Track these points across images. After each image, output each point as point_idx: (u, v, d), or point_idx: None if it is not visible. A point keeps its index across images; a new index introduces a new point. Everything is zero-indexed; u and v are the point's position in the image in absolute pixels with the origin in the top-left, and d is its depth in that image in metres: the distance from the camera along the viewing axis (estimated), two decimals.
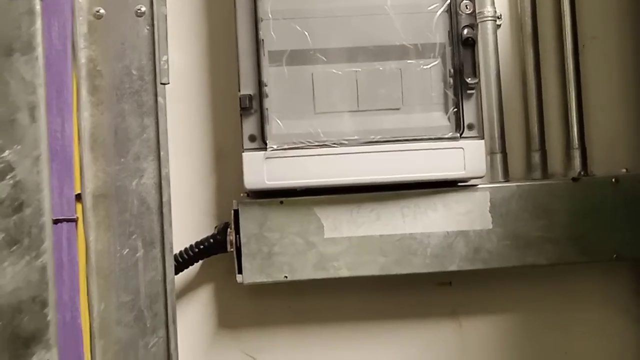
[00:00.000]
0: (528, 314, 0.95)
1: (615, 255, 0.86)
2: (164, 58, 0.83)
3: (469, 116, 0.83)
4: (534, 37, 0.95)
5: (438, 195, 0.84)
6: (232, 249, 0.85)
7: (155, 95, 0.82)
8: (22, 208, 0.46)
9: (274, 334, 0.94)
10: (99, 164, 0.82)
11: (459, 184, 0.86)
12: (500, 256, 0.85)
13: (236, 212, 0.84)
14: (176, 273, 0.88)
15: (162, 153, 0.82)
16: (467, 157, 0.82)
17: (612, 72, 0.97)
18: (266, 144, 0.80)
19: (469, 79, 0.82)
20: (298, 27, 0.81)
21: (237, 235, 0.84)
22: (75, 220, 0.74)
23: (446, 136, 0.81)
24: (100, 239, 0.81)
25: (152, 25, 0.82)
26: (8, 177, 0.45)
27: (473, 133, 0.83)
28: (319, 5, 0.82)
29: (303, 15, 0.82)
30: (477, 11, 0.93)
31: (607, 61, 0.97)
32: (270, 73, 0.82)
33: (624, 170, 0.92)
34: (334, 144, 0.81)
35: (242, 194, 0.87)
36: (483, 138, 0.83)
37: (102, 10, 0.82)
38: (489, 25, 0.94)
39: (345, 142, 0.82)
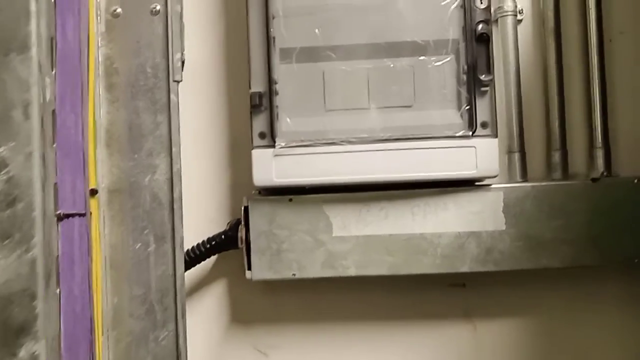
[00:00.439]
0: (546, 318, 0.92)
1: (637, 260, 0.82)
2: (177, 56, 0.84)
3: (482, 114, 0.81)
4: (557, 31, 0.92)
5: (449, 194, 0.83)
6: (242, 246, 0.85)
7: (169, 92, 0.84)
8: (15, 203, 0.47)
9: (286, 330, 0.95)
10: (113, 159, 0.84)
11: (474, 183, 0.84)
12: (513, 258, 0.83)
13: (246, 209, 0.85)
14: (189, 268, 0.89)
15: (174, 150, 0.83)
16: (479, 156, 0.80)
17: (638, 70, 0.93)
18: (275, 142, 0.81)
19: (483, 75, 0.80)
20: (309, 24, 0.81)
21: (247, 232, 0.84)
22: (87, 215, 0.76)
23: (457, 134, 0.80)
24: (114, 233, 0.84)
25: (167, 23, 0.84)
26: (2, 172, 0.47)
27: (487, 131, 0.81)
28: (331, 2, 0.81)
29: (314, 12, 0.82)
30: (496, 6, 0.91)
31: (635, 57, 0.93)
32: (281, 70, 0.82)
33: None
34: (343, 142, 0.81)
35: (253, 191, 0.88)
36: (496, 137, 0.81)
37: (119, 9, 0.84)
38: (509, 20, 0.92)
39: (355, 140, 0.81)
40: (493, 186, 0.83)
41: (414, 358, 0.94)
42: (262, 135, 0.82)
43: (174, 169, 0.83)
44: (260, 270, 0.84)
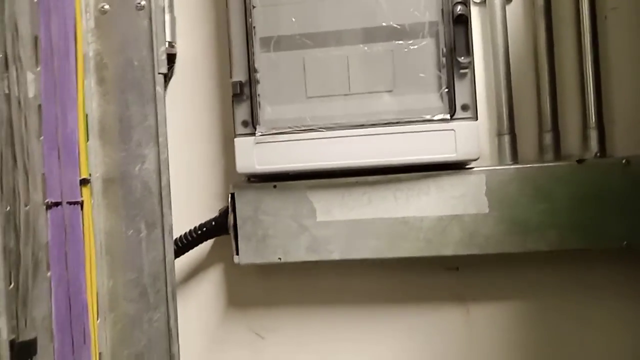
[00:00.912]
0: (540, 302, 0.91)
1: (625, 243, 0.80)
2: (162, 49, 0.87)
3: (462, 96, 0.80)
4: (547, 10, 0.89)
5: (431, 178, 0.83)
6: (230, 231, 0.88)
7: (154, 84, 0.87)
8: None
9: (282, 314, 0.97)
10: (106, 150, 0.88)
11: (463, 166, 0.84)
12: (498, 241, 0.82)
13: (232, 196, 0.87)
14: (182, 253, 0.92)
15: (160, 139, 0.87)
16: (458, 139, 0.80)
17: (636, 45, 0.90)
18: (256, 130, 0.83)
19: (462, 57, 0.80)
20: (287, 13, 0.82)
21: (235, 218, 0.87)
22: (79, 203, 0.80)
23: (435, 118, 0.79)
24: (109, 220, 0.88)
25: (151, 18, 0.87)
26: None
27: (467, 114, 0.80)
28: None
29: (291, 1, 0.83)
30: None
31: (630, 34, 0.90)
32: (261, 59, 0.83)
33: None
34: (324, 128, 0.82)
35: (243, 179, 0.90)
36: (477, 119, 0.80)
37: (106, 6, 0.88)
38: (497, 0, 0.90)
39: (336, 126, 0.82)
40: (475, 169, 0.82)
41: (407, 341, 0.94)
42: (244, 124, 0.84)
43: (162, 158, 0.86)
44: (247, 255, 0.86)
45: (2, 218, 0.59)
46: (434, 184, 0.83)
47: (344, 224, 0.84)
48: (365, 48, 0.81)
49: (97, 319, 0.84)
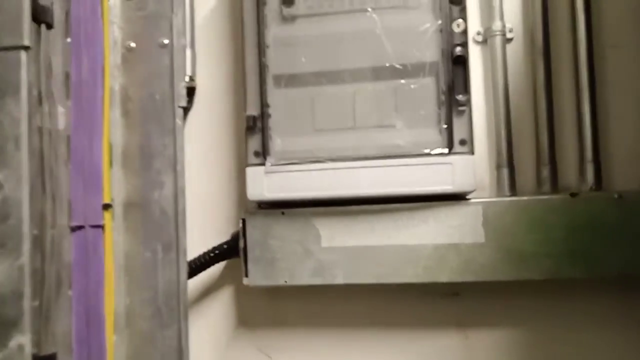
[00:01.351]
0: (538, 329, 0.94)
1: (617, 273, 0.83)
2: (182, 84, 0.94)
3: (460, 132, 0.85)
4: (546, 48, 0.94)
5: (431, 209, 0.87)
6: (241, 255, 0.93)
7: (174, 117, 0.93)
8: (8, 219, 0.57)
9: (288, 335, 1.02)
10: (127, 177, 0.95)
11: (463, 197, 0.88)
12: (493, 269, 0.86)
13: (244, 221, 0.93)
14: (196, 274, 0.98)
15: (178, 168, 0.93)
16: (455, 172, 0.84)
17: (635, 81, 0.94)
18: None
19: (460, 95, 0.85)
20: (297, 53, 0.89)
21: (245, 242, 0.92)
22: (101, 227, 0.87)
23: (433, 152, 0.84)
24: (129, 242, 0.94)
25: (172, 55, 0.94)
26: None
27: (464, 149, 0.85)
28: (316, 32, 0.88)
29: (301, 43, 0.89)
30: (486, 26, 0.95)
31: (629, 71, 0.94)
32: (273, 95, 0.90)
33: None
34: (330, 159, 0.88)
35: (254, 205, 0.96)
36: (473, 153, 0.85)
37: (132, 44, 0.95)
38: (497, 40, 0.95)
39: (341, 157, 0.87)
40: (473, 200, 0.87)
41: None
42: (256, 154, 0.90)
43: (179, 185, 0.93)
44: (256, 277, 0.91)
45: (30, 241, 0.66)
46: (433, 214, 0.87)
47: (348, 250, 0.89)
48: (370, 86, 0.87)
49: (114, 335, 0.89)
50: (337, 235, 0.89)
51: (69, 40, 0.83)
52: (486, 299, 0.95)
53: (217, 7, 1.05)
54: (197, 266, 0.97)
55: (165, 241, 0.92)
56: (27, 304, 0.60)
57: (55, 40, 0.78)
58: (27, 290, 0.60)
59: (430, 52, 0.86)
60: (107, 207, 0.89)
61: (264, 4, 0.89)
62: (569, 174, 0.94)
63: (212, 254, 0.96)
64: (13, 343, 0.58)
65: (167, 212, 0.93)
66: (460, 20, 0.85)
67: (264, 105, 0.89)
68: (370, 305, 0.99)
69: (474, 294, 0.95)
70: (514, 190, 0.93)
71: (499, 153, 0.94)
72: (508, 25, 0.96)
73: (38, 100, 0.72)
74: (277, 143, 0.90)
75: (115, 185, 0.93)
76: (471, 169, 0.84)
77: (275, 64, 0.89)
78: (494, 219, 0.86)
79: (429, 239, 0.87)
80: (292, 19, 0.89)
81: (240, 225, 0.93)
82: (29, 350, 0.61)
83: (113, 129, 0.93)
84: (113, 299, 0.90)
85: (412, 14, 0.86)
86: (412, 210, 0.88)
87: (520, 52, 0.97)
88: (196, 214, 1.01)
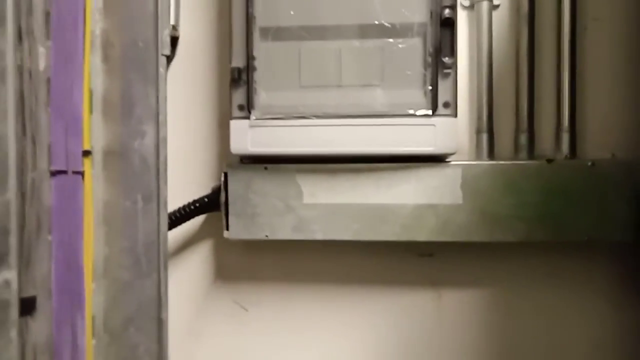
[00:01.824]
0: (508, 290, 0.98)
1: (587, 238, 0.87)
2: (166, 32, 0.92)
3: (444, 95, 0.86)
4: (530, 17, 0.95)
5: (412, 169, 0.89)
6: (222, 208, 0.94)
7: (157, 65, 0.92)
8: None
9: (265, 289, 1.03)
10: (108, 124, 0.93)
11: (443, 159, 0.90)
12: (469, 230, 0.88)
13: (226, 175, 0.93)
14: (176, 226, 0.98)
15: (160, 117, 0.92)
16: (438, 133, 0.86)
17: (613, 55, 0.96)
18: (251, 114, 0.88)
19: (446, 58, 0.85)
20: (286, 6, 0.87)
21: (226, 196, 0.92)
22: (81, 173, 0.86)
23: (418, 113, 0.85)
24: (108, 191, 0.93)
25: (156, 1, 0.91)
26: None
27: (447, 111, 0.86)
28: None
29: None
30: None
31: (609, 44, 0.96)
32: (259, 48, 0.89)
33: (612, 155, 0.92)
34: (314, 116, 0.88)
35: (236, 159, 0.95)
36: (456, 116, 0.86)
37: None
38: (484, 5, 0.96)
39: (325, 115, 0.88)
40: (453, 163, 0.88)
41: (379, 322, 1.01)
42: (240, 108, 0.89)
43: (160, 136, 0.91)
44: (237, 231, 0.92)
45: (16, 176, 0.64)
46: (414, 175, 0.89)
47: (329, 207, 0.90)
48: (358, 43, 0.87)
49: (93, 283, 0.89)
50: (319, 192, 0.90)
51: None
52: (460, 259, 0.98)
53: None
54: (177, 218, 0.97)
55: (146, 191, 0.92)
56: (13, 239, 0.59)
57: None
58: (14, 227, 0.60)
59: (419, 12, 0.86)
60: (86, 154, 0.88)
61: None
62: (545, 142, 0.96)
63: (192, 207, 0.96)
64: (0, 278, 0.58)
65: (148, 162, 0.92)
66: None
67: (249, 57, 0.89)
68: (347, 262, 1.01)
69: (448, 255, 0.98)
70: (492, 155, 0.95)
71: (479, 118, 0.96)
72: None
73: (18, 36, 0.69)
74: (262, 97, 0.89)
75: (95, 132, 0.91)
76: (454, 132, 0.85)
77: (263, 15, 0.88)
78: (472, 182, 0.88)
79: (408, 199, 0.88)
80: None
81: (222, 178, 0.93)
82: (15, 286, 0.60)
83: (93, 75, 0.90)
84: (92, 247, 0.89)
85: None
86: (393, 170, 0.89)
87: (505, 19, 0.98)
88: (177, 166, 1.01)
